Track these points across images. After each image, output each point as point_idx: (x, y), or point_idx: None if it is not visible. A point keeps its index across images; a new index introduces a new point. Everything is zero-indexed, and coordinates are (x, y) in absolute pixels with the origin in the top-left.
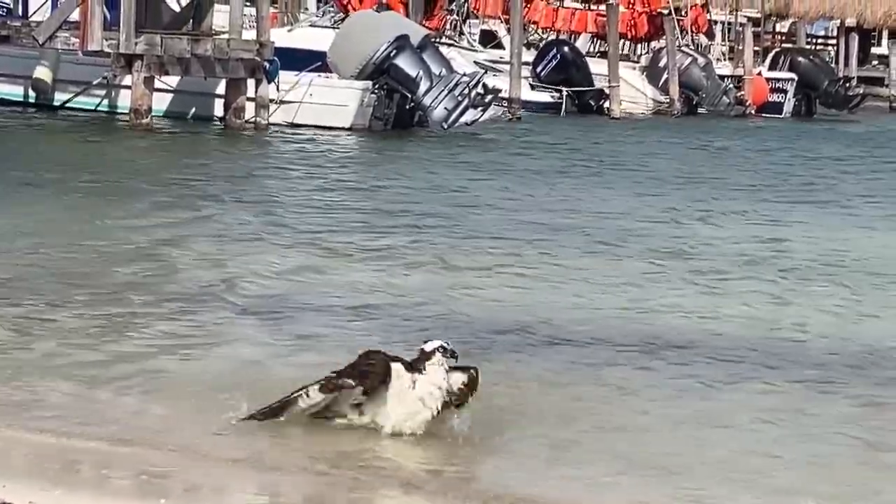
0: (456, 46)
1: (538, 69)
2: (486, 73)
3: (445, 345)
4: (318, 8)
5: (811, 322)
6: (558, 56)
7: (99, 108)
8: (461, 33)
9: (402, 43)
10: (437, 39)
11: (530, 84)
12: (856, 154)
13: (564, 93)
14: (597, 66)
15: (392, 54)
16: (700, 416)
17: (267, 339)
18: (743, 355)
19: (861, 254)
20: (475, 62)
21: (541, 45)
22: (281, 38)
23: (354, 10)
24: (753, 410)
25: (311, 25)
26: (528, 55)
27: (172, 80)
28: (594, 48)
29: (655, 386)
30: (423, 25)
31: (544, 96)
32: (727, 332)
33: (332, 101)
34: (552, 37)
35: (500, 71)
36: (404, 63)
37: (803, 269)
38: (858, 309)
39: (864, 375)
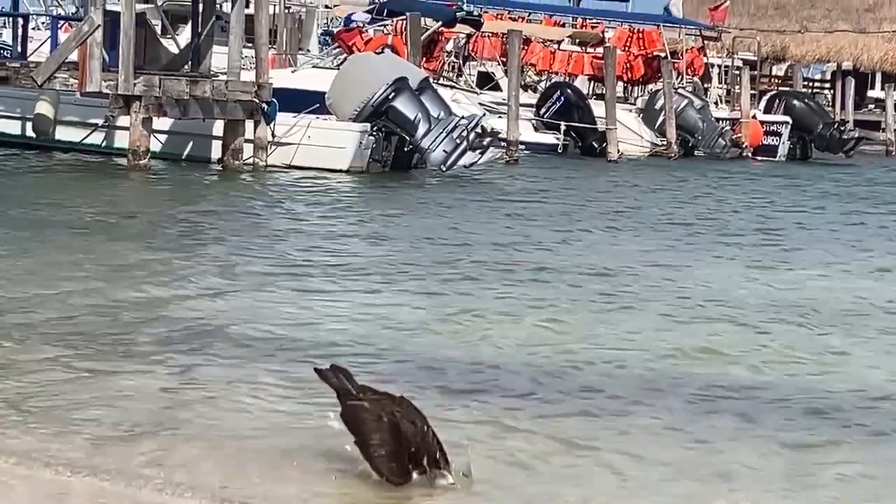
0: (457, 88)
1: (542, 111)
2: (484, 115)
3: None
4: (320, 50)
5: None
6: (562, 98)
7: (96, 148)
8: (459, 74)
9: (400, 85)
10: (436, 81)
11: (533, 126)
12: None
13: (562, 134)
14: (594, 109)
15: (390, 96)
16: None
17: (269, 380)
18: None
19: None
20: (480, 104)
21: (539, 87)
22: (283, 78)
23: (359, 50)
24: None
25: (313, 67)
26: (526, 97)
27: (170, 122)
28: (591, 91)
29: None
30: (423, 67)
31: (548, 138)
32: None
33: (330, 143)
34: (548, 79)
35: (503, 114)
36: (403, 105)
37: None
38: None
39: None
